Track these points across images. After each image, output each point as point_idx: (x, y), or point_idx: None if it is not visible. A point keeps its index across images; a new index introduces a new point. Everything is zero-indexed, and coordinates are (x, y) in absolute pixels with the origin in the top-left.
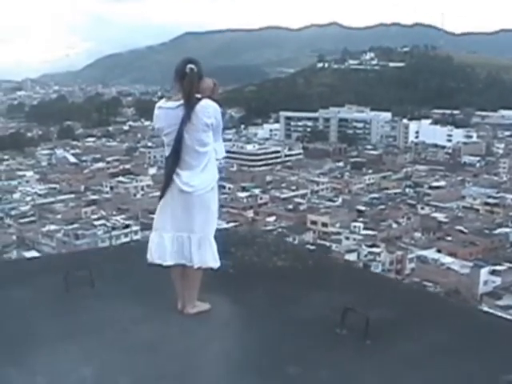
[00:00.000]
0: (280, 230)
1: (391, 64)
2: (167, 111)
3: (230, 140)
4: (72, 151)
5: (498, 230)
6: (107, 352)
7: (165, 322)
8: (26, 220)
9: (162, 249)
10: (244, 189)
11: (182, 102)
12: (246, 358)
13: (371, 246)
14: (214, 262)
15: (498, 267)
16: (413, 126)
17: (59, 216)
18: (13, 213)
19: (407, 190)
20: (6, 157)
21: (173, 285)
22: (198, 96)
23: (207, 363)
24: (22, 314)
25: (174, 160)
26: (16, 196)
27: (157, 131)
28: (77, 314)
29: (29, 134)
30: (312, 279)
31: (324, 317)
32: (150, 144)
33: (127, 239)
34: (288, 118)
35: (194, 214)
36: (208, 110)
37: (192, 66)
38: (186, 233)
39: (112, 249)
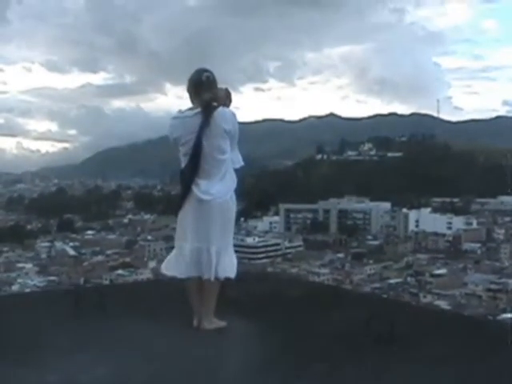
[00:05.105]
0: None
1: (389, 154)
2: (184, 120)
3: None
4: (71, 244)
5: (502, 316)
6: (120, 358)
7: (182, 335)
8: None
9: (180, 261)
10: None
11: (198, 110)
12: (268, 360)
13: None
14: (231, 272)
15: None
16: (413, 214)
17: None
18: None
19: (409, 278)
20: (5, 249)
21: (188, 301)
22: (214, 104)
23: (230, 365)
24: (34, 331)
25: (193, 169)
26: (15, 288)
27: (173, 142)
28: (89, 331)
29: (28, 227)
30: (329, 303)
31: (346, 329)
32: (149, 237)
33: None
34: (288, 210)
35: (213, 223)
36: (226, 116)
37: (208, 74)
38: (204, 244)
39: (122, 284)
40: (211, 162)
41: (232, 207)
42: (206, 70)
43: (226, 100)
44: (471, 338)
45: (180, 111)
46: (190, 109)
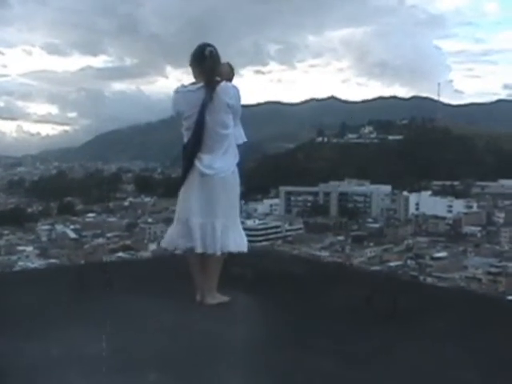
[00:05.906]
0: None
1: (390, 137)
2: (187, 94)
3: None
4: (72, 227)
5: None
6: (124, 333)
7: (185, 310)
8: None
9: (184, 236)
10: None
11: (202, 84)
12: (272, 335)
13: None
14: (242, 246)
15: None
16: (413, 198)
17: None
18: None
19: (409, 261)
20: (5, 232)
21: (191, 276)
22: (218, 79)
23: (234, 341)
24: (39, 306)
25: (196, 143)
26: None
27: (176, 116)
28: (94, 306)
29: (29, 210)
30: (333, 279)
31: (350, 305)
32: (150, 220)
33: None
34: (288, 193)
35: (217, 198)
36: (229, 90)
37: (211, 49)
38: (209, 219)
39: (126, 261)
40: (214, 136)
41: (235, 182)
42: (209, 45)
43: (230, 75)
44: (474, 314)
45: (183, 85)
46: (193, 83)
